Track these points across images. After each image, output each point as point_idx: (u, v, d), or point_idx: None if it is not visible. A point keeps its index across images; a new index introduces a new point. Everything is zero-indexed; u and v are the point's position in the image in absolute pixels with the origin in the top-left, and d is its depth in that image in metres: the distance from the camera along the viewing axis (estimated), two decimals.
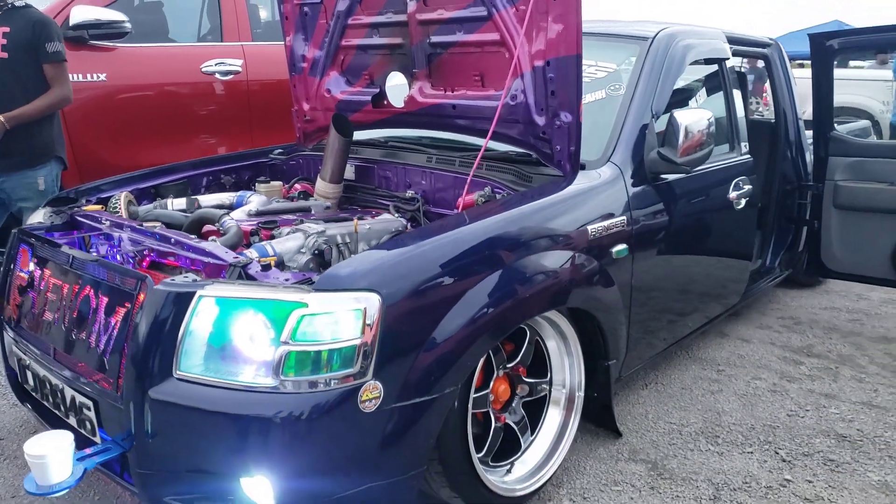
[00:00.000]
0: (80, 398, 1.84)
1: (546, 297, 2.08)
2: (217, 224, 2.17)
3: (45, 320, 2.01)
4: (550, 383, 2.32)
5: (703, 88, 3.39)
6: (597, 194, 2.35)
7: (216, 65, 4.53)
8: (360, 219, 2.54)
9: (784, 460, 2.54)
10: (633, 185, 2.48)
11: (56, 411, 1.97)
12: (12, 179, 3.16)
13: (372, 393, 1.63)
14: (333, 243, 2.27)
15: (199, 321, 1.64)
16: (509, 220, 2.03)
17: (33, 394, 2.12)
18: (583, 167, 2.42)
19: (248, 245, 2.20)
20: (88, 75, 4.12)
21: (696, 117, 2.55)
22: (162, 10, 4.84)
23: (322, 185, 2.86)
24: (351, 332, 1.60)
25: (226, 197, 2.78)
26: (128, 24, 4.06)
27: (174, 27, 4.77)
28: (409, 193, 2.70)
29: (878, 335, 3.75)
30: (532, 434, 2.29)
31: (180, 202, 2.72)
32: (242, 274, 1.75)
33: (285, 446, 1.59)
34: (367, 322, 1.61)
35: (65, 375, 1.89)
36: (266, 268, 1.74)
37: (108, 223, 2.23)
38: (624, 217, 2.38)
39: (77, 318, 1.89)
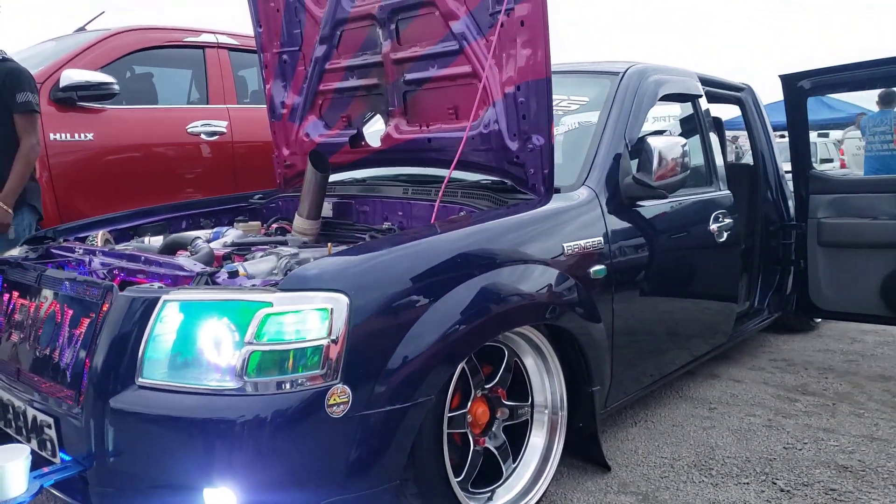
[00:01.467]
0: (41, 416, 1.76)
1: (522, 311, 2.04)
2: (189, 246, 2.15)
3: (11, 342, 1.95)
4: (532, 406, 2.24)
5: (679, 126, 3.46)
6: (572, 214, 2.35)
7: (202, 125, 4.62)
8: (335, 245, 2.53)
9: (783, 490, 2.43)
10: (610, 209, 2.48)
11: (18, 436, 1.89)
12: None
13: (340, 397, 1.57)
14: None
15: (164, 326, 1.59)
16: (482, 231, 2.02)
17: None
18: (557, 191, 2.43)
19: (220, 267, 2.17)
20: (76, 135, 4.18)
21: (669, 143, 2.59)
22: (152, 80, 4.98)
23: (299, 222, 2.86)
24: (317, 332, 1.55)
25: (203, 234, 2.77)
26: (116, 87, 4.16)
27: (163, 95, 4.91)
28: (386, 225, 2.70)
29: (876, 374, 3.68)
30: (514, 461, 2.19)
31: (157, 240, 2.70)
32: (209, 282, 1.71)
33: (249, 452, 1.51)
34: (335, 323, 1.57)
35: (27, 396, 1.82)
36: (233, 274, 1.71)
37: (80, 251, 2.21)
38: (601, 238, 2.37)
39: (42, 334, 1.84)
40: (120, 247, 2.13)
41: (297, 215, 2.89)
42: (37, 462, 1.76)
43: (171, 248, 2.25)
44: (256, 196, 3.36)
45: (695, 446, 2.76)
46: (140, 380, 1.57)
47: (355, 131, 3.04)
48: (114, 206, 4.38)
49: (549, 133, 2.33)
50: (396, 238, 1.91)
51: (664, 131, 3.26)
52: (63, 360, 1.73)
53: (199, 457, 1.52)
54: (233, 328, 1.56)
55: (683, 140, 2.65)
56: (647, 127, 2.92)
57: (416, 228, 2.00)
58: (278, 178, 3.38)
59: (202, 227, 3.14)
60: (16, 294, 2.01)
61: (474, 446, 2.05)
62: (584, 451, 2.49)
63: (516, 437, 2.22)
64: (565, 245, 2.22)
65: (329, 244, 2.31)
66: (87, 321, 1.71)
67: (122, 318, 1.61)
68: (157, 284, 1.68)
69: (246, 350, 1.52)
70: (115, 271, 1.96)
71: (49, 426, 1.73)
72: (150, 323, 1.59)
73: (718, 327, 3.31)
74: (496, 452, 2.13)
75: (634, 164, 2.63)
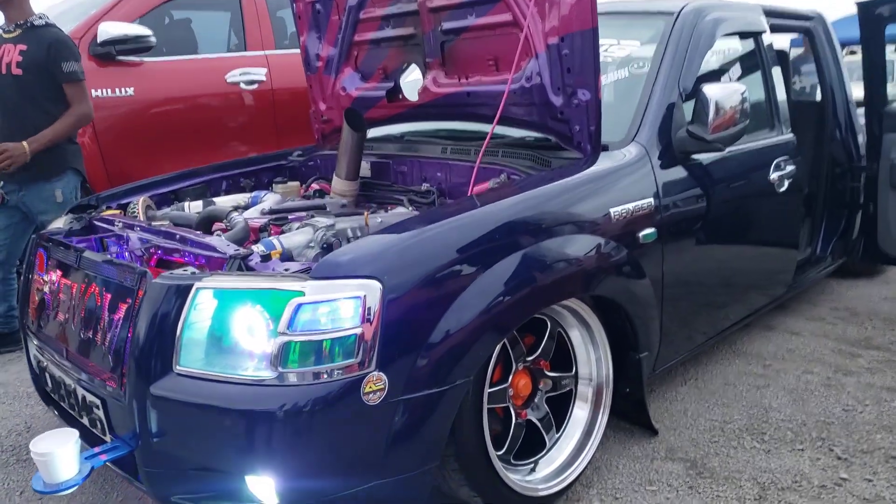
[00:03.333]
0: (90, 397, 1.80)
1: (565, 285, 1.96)
2: (225, 220, 2.12)
3: (58, 321, 1.99)
4: (576, 377, 2.19)
5: (738, 67, 3.21)
6: (621, 175, 2.21)
7: (240, 74, 4.55)
8: (372, 212, 2.47)
9: (840, 458, 2.34)
10: (661, 165, 2.34)
11: (72, 412, 1.94)
12: (31, 192, 3.20)
13: (376, 385, 1.54)
14: (343, 237, 2.19)
15: (198, 314, 1.58)
16: (524, 202, 1.92)
17: (53, 396, 2.10)
18: (605, 148, 2.29)
19: (257, 240, 2.14)
20: (117, 90, 4.18)
21: (727, 91, 2.40)
22: (190, 25, 4.90)
23: (338, 183, 2.80)
24: (351, 321, 1.51)
25: (241, 198, 2.75)
26: (153, 39, 4.11)
27: (202, 42, 4.84)
28: (424, 187, 2.61)
29: None
30: (558, 431, 2.16)
31: (197, 205, 2.69)
32: (242, 266, 1.68)
33: (287, 441, 1.51)
34: (368, 310, 1.53)
35: (76, 375, 1.86)
36: (266, 258, 1.67)
37: (120, 224, 2.21)
38: (651, 199, 2.24)
39: (85, 317, 1.86)
40: (159, 219, 2.11)
41: (334, 176, 2.83)
42: (90, 439, 1.82)
43: (207, 222, 2.22)
44: (295, 153, 3.30)
45: (747, 408, 2.68)
46: (178, 367, 1.57)
47: (392, 84, 2.92)
48: (157, 161, 4.42)
49: (596, 87, 2.17)
50: (432, 214, 1.84)
51: (722, 74, 3.03)
52: (104, 344, 1.75)
53: (238, 445, 1.52)
54: (266, 317, 1.53)
55: (742, 87, 2.45)
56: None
57: (451, 203, 1.91)
58: (316, 134, 3.30)
59: (242, 188, 3.11)
60: (59, 273, 2.03)
61: (516, 419, 2.02)
62: (630, 415, 2.44)
63: (559, 408, 2.18)
64: (613, 211, 2.10)
65: (365, 213, 2.25)
66: (124, 306, 1.71)
67: (156, 305, 1.60)
68: (190, 269, 1.65)
69: (280, 340, 1.49)
70: (152, 250, 1.96)
71: (97, 407, 1.77)
72: (184, 310, 1.58)
73: (777, 278, 3.16)
74: (539, 424, 2.10)
75: (688, 110, 2.45)
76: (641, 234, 2.19)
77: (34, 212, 3.28)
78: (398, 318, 1.58)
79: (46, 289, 2.08)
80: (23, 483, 2.30)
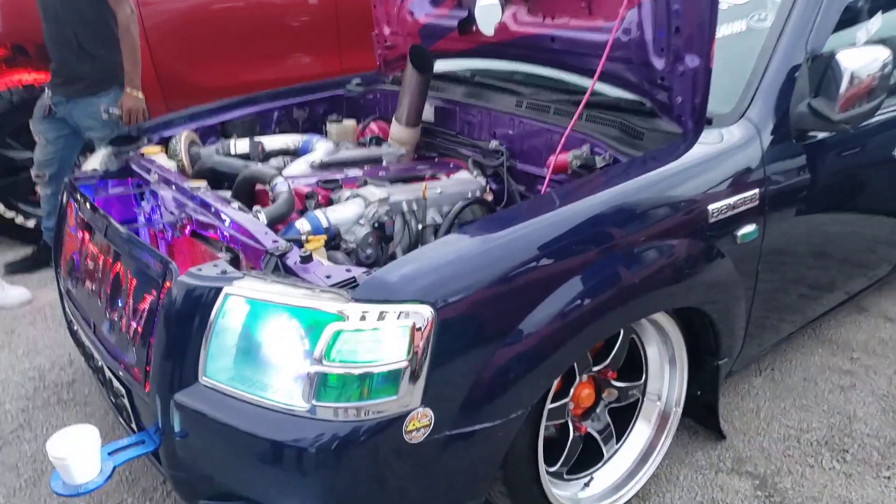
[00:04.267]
0: (116, 383, 1.69)
1: (652, 300, 1.70)
2: (268, 186, 1.90)
3: (86, 290, 1.86)
4: (644, 389, 1.97)
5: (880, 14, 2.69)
6: (724, 161, 1.87)
7: None
8: (433, 176, 2.21)
9: None
10: (772, 148, 1.97)
11: (102, 386, 1.85)
12: (78, 107, 3.03)
13: (420, 422, 1.35)
14: (398, 211, 1.96)
15: (226, 322, 1.40)
16: (608, 202, 1.62)
17: (86, 362, 2.01)
18: (709, 122, 1.94)
19: (303, 211, 1.93)
20: None
21: (867, 58, 1.96)
22: None
23: (397, 129, 2.52)
24: (396, 354, 1.31)
25: (291, 140, 2.51)
26: None
27: None
28: (493, 144, 2.32)
29: None
30: (618, 442, 1.97)
31: (243, 144, 2.47)
32: (279, 265, 1.48)
33: (318, 479, 1.36)
34: (417, 341, 1.31)
35: (104, 355, 1.74)
36: (306, 259, 1.46)
37: (156, 177, 2.02)
38: (757, 191, 1.90)
39: (110, 295, 1.71)
40: (194, 183, 1.88)
41: (394, 120, 2.55)
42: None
43: (248, 185, 2.01)
44: (354, 82, 3.01)
45: (828, 414, 2.42)
46: (203, 378, 1.42)
47: (466, 13, 2.55)
48: (213, 69, 4.18)
49: (708, 54, 1.80)
50: (496, 221, 1.57)
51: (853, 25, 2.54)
52: (129, 333, 1.61)
53: (264, 476, 1.38)
54: (301, 337, 1.34)
55: (886, 52, 2.01)
56: None
57: (523, 205, 1.63)
58: (378, 60, 2.98)
59: (294, 119, 2.87)
60: (87, 236, 1.87)
61: (574, 433, 1.83)
62: (697, 414, 2.22)
63: (621, 418, 1.98)
64: (712, 208, 1.78)
65: (424, 184, 1.99)
66: (149, 298, 1.54)
67: (182, 306, 1.43)
68: (221, 265, 1.46)
69: (315, 370, 1.31)
70: (185, 220, 1.76)
71: (122, 395, 1.66)
72: (212, 316, 1.40)
73: (881, 257, 2.79)
74: (598, 436, 1.91)
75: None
76: (741, 232, 1.87)
77: (81, 127, 3.13)
78: (451, 348, 1.37)
79: (76, 248, 1.94)
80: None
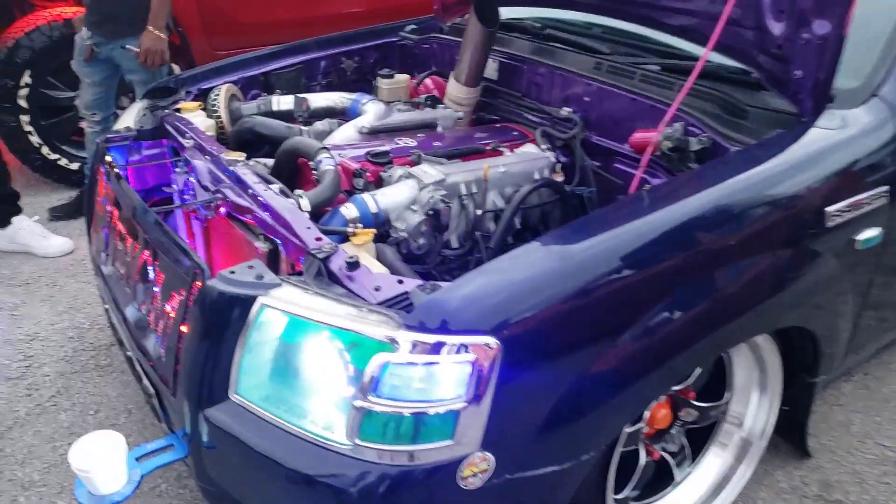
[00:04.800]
0: (145, 380, 1.55)
1: (751, 321, 1.46)
2: (312, 162, 1.69)
3: (115, 272, 1.71)
4: (725, 410, 1.75)
5: None
6: (847, 152, 1.57)
7: None
8: (494, 149, 1.96)
9: None
10: None
11: (132, 370, 1.73)
12: (117, 47, 2.83)
13: (478, 466, 1.17)
14: (455, 195, 1.74)
15: (261, 336, 1.23)
16: (707, 207, 1.36)
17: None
18: (830, 100, 1.63)
19: (350, 191, 1.72)
20: None
21: None
22: None
23: (455, 89, 2.26)
24: (453, 392, 1.12)
25: (339, 98, 2.27)
26: None
27: None
28: (565, 112, 2.04)
29: None
30: (691, 464, 1.77)
31: (287, 100, 2.25)
32: (322, 270, 1.29)
33: None
34: (478, 379, 1.12)
35: (133, 346, 1.61)
36: (353, 266, 1.26)
37: (191, 142, 1.83)
38: (886, 188, 1.60)
39: (138, 285, 1.56)
40: (231, 155, 1.67)
41: (452, 78, 2.28)
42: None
43: (290, 158, 1.79)
44: (408, 28, 2.72)
45: None
46: (234, 396, 1.26)
47: None
48: (256, 6, 3.92)
49: (844, 19, 1.48)
50: (576, 229, 1.33)
51: None
52: (157, 330, 1.46)
53: None
54: (345, 363, 1.16)
55: None
56: None
57: (608, 209, 1.37)
58: (436, 3, 2.68)
59: (343, 70, 2.63)
60: (116, 212, 1.71)
61: (646, 458, 1.64)
62: (781, 428, 2.00)
63: (695, 438, 1.77)
64: (829, 210, 1.51)
65: (486, 165, 1.75)
66: (177, 297, 1.38)
67: (213, 313, 1.26)
68: (256, 269, 1.27)
69: (360, 406, 1.13)
70: (220, 201, 1.58)
71: (151, 395, 1.52)
72: (245, 328, 1.23)
73: None
74: (671, 459, 1.71)
75: None
76: (862, 237, 1.59)
77: (123, 69, 2.95)
78: (517, 384, 1.16)
79: (105, 222, 1.78)
80: (99, 398, 2.19)
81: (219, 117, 2.20)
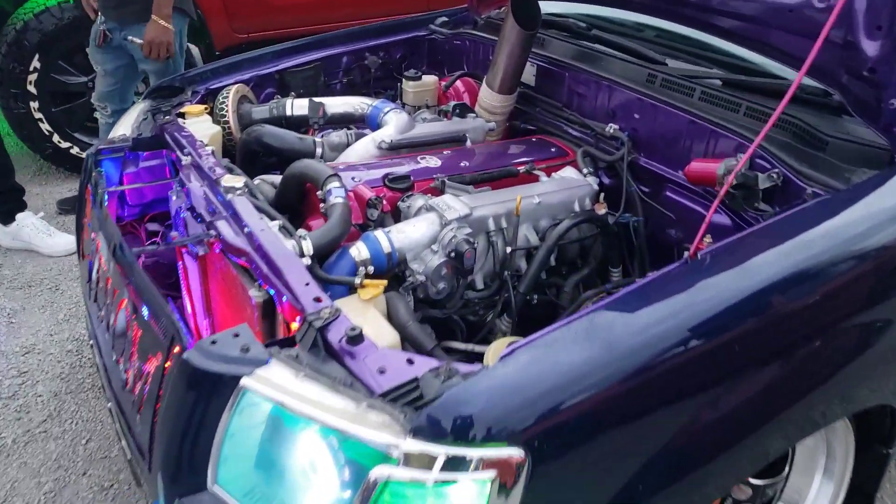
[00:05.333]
0: (122, 440, 1.38)
1: (827, 408, 1.23)
2: (321, 191, 1.47)
3: (97, 309, 1.53)
4: (783, 488, 1.52)
5: None
6: None
7: None
8: (528, 171, 1.73)
9: None
10: None
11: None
12: (131, 33, 2.63)
13: None
14: (481, 230, 1.52)
15: (244, 422, 1.03)
16: (782, 278, 1.12)
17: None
18: None
19: (363, 225, 1.51)
20: None
21: None
22: None
23: (487, 96, 2.02)
24: None
25: (358, 104, 2.06)
26: None
27: None
28: (612, 129, 1.80)
29: None
30: None
31: (302, 104, 2.04)
32: (319, 340, 1.08)
33: None
34: (500, 499, 0.91)
35: (112, 397, 1.43)
36: (355, 339, 1.05)
37: (188, 159, 1.63)
38: None
39: (116, 334, 1.38)
40: (230, 181, 1.45)
41: (485, 83, 2.04)
42: None
43: (296, 182, 1.58)
44: (439, 21, 2.48)
45: None
46: (214, 487, 1.07)
47: None
48: None
49: None
50: (625, 301, 1.09)
51: None
52: (134, 392, 1.28)
53: None
54: (339, 466, 0.96)
55: None
56: None
57: (655, 280, 1.13)
58: None
59: (366, 66, 2.40)
60: (99, 244, 1.52)
61: None
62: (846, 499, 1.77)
63: None
64: None
65: (518, 197, 1.51)
66: (154, 361, 1.19)
67: (190, 389, 1.07)
68: (242, 339, 1.07)
69: None
70: (213, 237, 1.37)
71: (126, 458, 1.35)
72: (227, 411, 1.03)
73: None
74: None
75: None
76: None
77: (136, 57, 2.76)
78: (548, 502, 0.96)
79: (91, 250, 1.60)
80: (92, 425, 2.04)
81: (227, 122, 2.00)
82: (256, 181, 1.71)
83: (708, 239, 1.37)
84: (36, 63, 3.16)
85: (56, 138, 3.34)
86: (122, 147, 1.79)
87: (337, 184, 1.46)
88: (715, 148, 1.59)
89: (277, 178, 1.71)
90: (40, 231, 2.85)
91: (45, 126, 3.28)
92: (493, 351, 1.14)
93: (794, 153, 1.47)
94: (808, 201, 1.35)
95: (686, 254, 1.17)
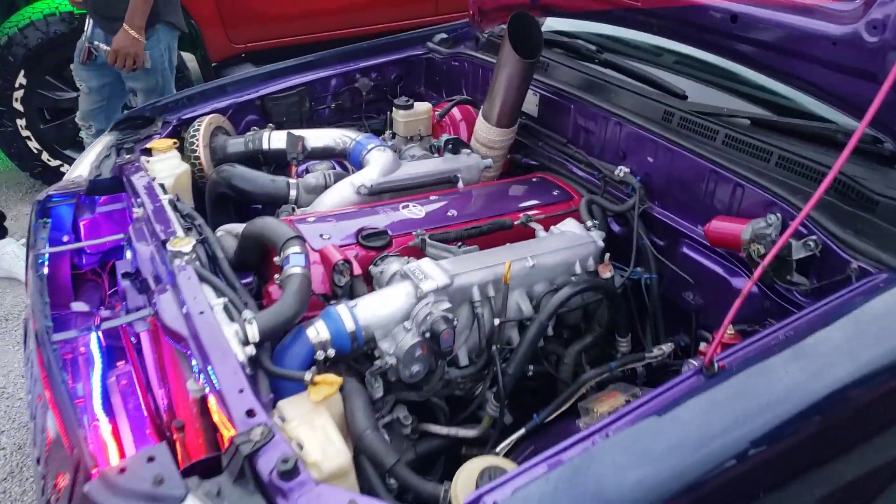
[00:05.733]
0: None
1: None
2: (279, 256, 1.28)
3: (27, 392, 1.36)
4: None
5: None
6: None
7: None
8: (524, 223, 1.53)
9: None
10: None
11: None
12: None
13: None
14: (464, 300, 1.31)
15: None
16: (807, 410, 0.91)
17: None
18: None
19: (329, 296, 1.32)
20: None
21: None
22: None
23: (484, 129, 1.81)
24: None
25: (340, 137, 1.86)
26: None
27: None
28: (622, 173, 1.58)
29: None
30: None
31: (280, 137, 1.85)
32: (247, 469, 0.89)
33: None
34: None
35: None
36: (288, 474, 0.86)
37: (140, 212, 1.45)
38: None
39: (36, 430, 1.20)
40: (177, 244, 1.25)
41: (480, 116, 1.84)
42: None
43: (255, 245, 1.39)
44: (437, 38, 2.28)
45: None
46: None
47: None
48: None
49: None
50: (648, 419, 0.88)
51: None
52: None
53: None
54: None
55: None
56: None
57: (649, 404, 0.91)
58: (471, 9, 2.21)
59: (357, 89, 2.20)
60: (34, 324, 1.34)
61: None
62: None
63: None
64: None
65: (508, 265, 1.30)
66: (62, 479, 1.01)
67: None
68: (162, 447, 0.89)
69: None
70: (151, 317, 1.19)
71: None
72: None
73: None
74: None
75: None
76: None
77: (122, 74, 2.59)
78: None
79: (28, 316, 1.43)
80: None
81: (197, 158, 1.82)
82: (219, 233, 1.53)
83: (731, 331, 1.16)
84: (22, 79, 3.02)
85: (45, 156, 3.20)
86: (75, 192, 1.62)
87: (296, 249, 1.26)
88: (741, 203, 1.37)
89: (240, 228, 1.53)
90: (20, 259, 2.71)
91: (33, 144, 3.15)
92: (462, 483, 0.94)
93: (837, 215, 1.24)
94: (852, 281, 1.13)
95: (699, 362, 0.96)
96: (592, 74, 1.79)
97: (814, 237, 1.23)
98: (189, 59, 3.63)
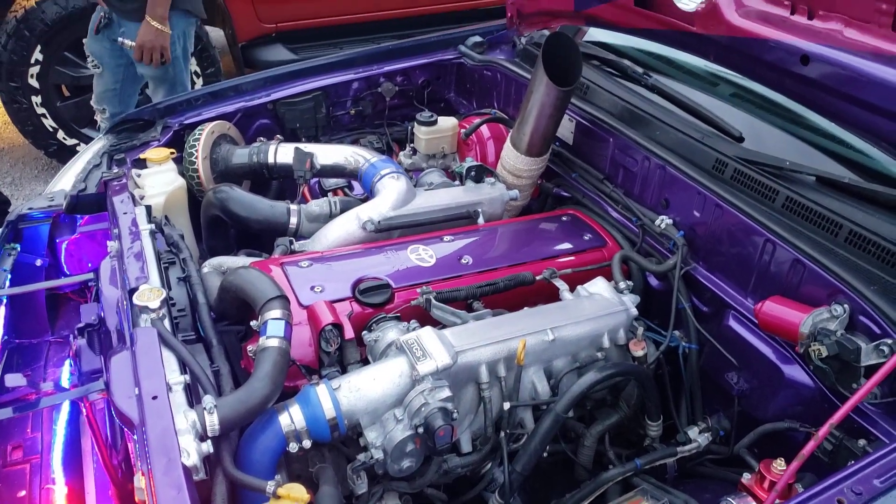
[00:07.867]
0: None
1: None
2: (258, 320, 1.11)
3: None
4: None
5: None
6: None
7: None
8: (549, 278, 1.34)
9: None
10: None
11: None
12: (130, 31, 2.29)
13: None
14: (470, 380, 1.14)
15: None
16: None
17: None
18: None
19: (311, 369, 1.16)
20: None
21: None
22: None
23: (512, 157, 1.62)
24: None
25: (351, 155, 1.68)
26: None
27: None
28: (663, 224, 1.38)
29: None
30: None
31: (287, 152, 1.69)
32: None
33: None
34: None
35: None
36: None
37: (115, 246, 1.30)
38: None
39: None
40: (146, 293, 1.11)
41: (509, 142, 1.64)
42: None
43: (233, 299, 1.22)
44: (472, 41, 2.06)
45: None
46: None
47: None
48: None
49: None
50: None
51: None
52: None
53: None
54: None
55: None
56: None
57: None
58: (510, 11, 2.00)
59: (379, 94, 2.01)
60: None
61: None
62: None
63: None
64: None
65: (522, 343, 1.12)
66: None
67: None
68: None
69: None
70: (103, 392, 1.05)
71: None
72: None
73: None
74: None
75: None
76: None
77: (134, 58, 2.43)
78: None
79: None
80: None
81: (195, 171, 1.67)
82: (205, 269, 1.38)
83: (781, 466, 0.96)
84: (38, 55, 2.89)
85: (61, 135, 3.09)
86: (51, 212, 1.48)
87: (276, 314, 1.09)
88: (800, 283, 1.16)
89: (235, 262, 1.37)
90: None
91: (48, 122, 3.04)
92: None
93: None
94: None
95: None
96: (636, 103, 1.57)
97: (889, 341, 1.02)
98: (216, 34, 3.46)
